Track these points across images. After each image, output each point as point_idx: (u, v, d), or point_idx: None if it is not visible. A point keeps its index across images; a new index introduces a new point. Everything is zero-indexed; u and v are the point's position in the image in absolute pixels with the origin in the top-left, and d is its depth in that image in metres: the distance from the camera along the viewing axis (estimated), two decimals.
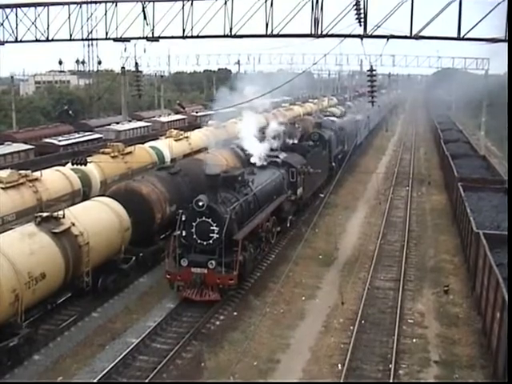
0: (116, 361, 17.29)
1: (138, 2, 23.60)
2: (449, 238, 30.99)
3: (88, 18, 24.70)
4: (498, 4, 19.37)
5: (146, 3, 23.41)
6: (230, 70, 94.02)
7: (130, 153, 34.17)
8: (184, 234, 21.73)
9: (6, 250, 16.96)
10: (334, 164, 41.49)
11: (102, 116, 75.27)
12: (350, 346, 18.61)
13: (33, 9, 25.26)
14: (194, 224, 21.55)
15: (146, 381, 16.65)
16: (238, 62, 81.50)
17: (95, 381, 16.41)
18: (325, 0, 21.42)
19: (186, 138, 43.07)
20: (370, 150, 62.65)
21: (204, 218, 21.42)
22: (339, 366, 17.66)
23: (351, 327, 20.14)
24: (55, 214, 19.71)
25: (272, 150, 30.65)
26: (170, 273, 21.67)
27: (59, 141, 50.17)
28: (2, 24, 25.78)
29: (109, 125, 61.29)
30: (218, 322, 20.53)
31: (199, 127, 51.88)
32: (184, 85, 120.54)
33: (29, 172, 26.18)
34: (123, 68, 43.93)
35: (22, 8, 25.52)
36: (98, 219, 21.39)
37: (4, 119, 69.28)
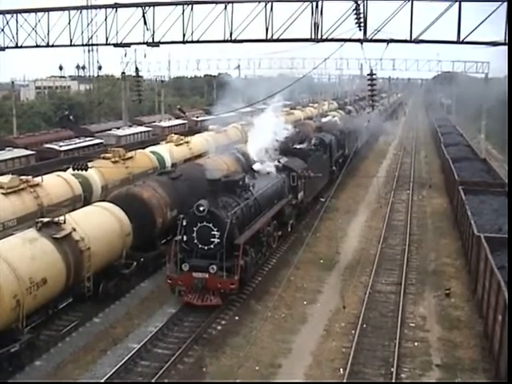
0: (117, 366, 17.26)
1: (138, 8, 23.64)
2: (450, 241, 30.97)
3: (88, 24, 24.74)
4: (498, 7, 19.42)
5: (147, 8, 23.44)
6: (230, 75, 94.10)
7: (131, 158, 34.17)
8: (185, 238, 21.71)
9: (7, 255, 16.96)
10: (334, 168, 41.51)
11: (103, 121, 75.34)
12: (352, 349, 18.59)
13: (33, 14, 25.30)
14: (194, 229, 21.53)
15: (153, 380, 16.71)
16: (239, 67, 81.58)
17: (102, 381, 16.50)
18: (325, 4, 21.49)
19: (187, 142, 43.10)
20: (371, 153, 62.66)
21: (205, 223, 21.41)
22: (341, 370, 17.65)
23: (353, 331, 20.12)
24: (56, 219, 19.71)
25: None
26: (171, 278, 21.66)
27: (60, 146, 50.24)
28: (2, 30, 25.83)
29: (109, 130, 61.44)
30: (219, 327, 20.52)
31: (200, 132, 51.95)
32: (184, 89, 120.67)
33: (30, 177, 26.19)
34: (123, 73, 44.09)
35: (23, 14, 25.55)
36: (99, 224, 21.40)
37: (5, 125, 69.41)
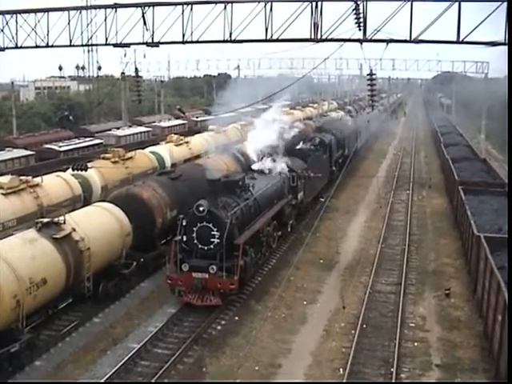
0: (117, 366, 17.26)
1: (137, 8, 23.64)
2: (450, 241, 30.98)
3: (88, 24, 24.73)
4: (497, 8, 19.42)
5: (146, 8, 23.44)
6: (229, 75, 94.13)
7: (131, 158, 34.17)
8: (185, 238, 21.71)
9: (7, 255, 16.96)
10: (334, 168, 41.49)
11: (103, 121, 75.36)
12: (352, 350, 18.59)
13: (33, 15, 25.31)
14: (194, 229, 21.52)
15: (153, 380, 16.70)
16: (238, 67, 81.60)
17: (102, 381, 16.50)
18: (324, 4, 21.48)
19: (187, 142, 43.09)
20: (371, 154, 62.68)
21: (205, 223, 21.40)
22: (341, 370, 17.65)
23: (353, 331, 20.12)
24: (56, 219, 19.71)
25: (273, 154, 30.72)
26: (171, 278, 21.65)
27: (60, 146, 50.26)
28: (2, 30, 25.83)
29: (109, 130, 61.43)
30: (219, 327, 20.51)
31: (199, 132, 51.93)
32: (184, 90, 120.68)
33: (29, 178, 26.20)
34: (123, 73, 44.03)
35: (22, 14, 25.56)
36: (99, 224, 21.39)
37: (4, 125, 69.37)
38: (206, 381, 17.09)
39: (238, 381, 16.99)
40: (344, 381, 16.92)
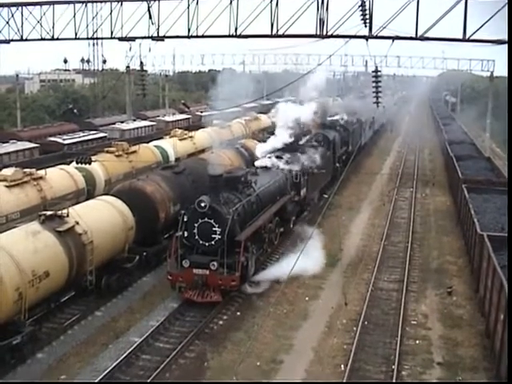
0: (119, 360, 17.30)
1: (143, 1, 23.59)
2: (453, 239, 30.94)
3: (93, 17, 24.70)
4: (504, 6, 19.32)
5: (152, 2, 23.40)
6: (234, 70, 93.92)
7: (135, 152, 34.18)
8: (186, 234, 21.66)
9: (10, 248, 17.00)
10: (338, 165, 41.40)
11: (107, 115, 75.32)
12: (353, 346, 18.58)
13: (38, 7, 25.29)
14: (196, 225, 21.47)
15: (149, 380, 16.68)
16: (243, 62, 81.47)
17: (97, 381, 16.48)
18: (330, 0, 21.43)
19: (191, 137, 43.07)
20: (375, 150, 62.56)
21: (206, 219, 21.34)
22: (342, 366, 17.65)
23: (354, 328, 20.12)
24: (59, 212, 19.74)
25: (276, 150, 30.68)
26: (171, 274, 21.62)
27: (64, 139, 50.36)
28: (7, 22, 25.82)
29: (113, 124, 61.44)
30: (221, 322, 20.54)
31: (203, 127, 51.85)
32: (189, 84, 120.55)
33: (33, 170, 26.23)
34: (128, 67, 43.86)
35: (28, 7, 25.55)
36: (102, 218, 21.41)
37: (9, 117, 69.39)
38: (205, 381, 17.07)
39: (237, 381, 16.96)
40: (344, 381, 16.90)
